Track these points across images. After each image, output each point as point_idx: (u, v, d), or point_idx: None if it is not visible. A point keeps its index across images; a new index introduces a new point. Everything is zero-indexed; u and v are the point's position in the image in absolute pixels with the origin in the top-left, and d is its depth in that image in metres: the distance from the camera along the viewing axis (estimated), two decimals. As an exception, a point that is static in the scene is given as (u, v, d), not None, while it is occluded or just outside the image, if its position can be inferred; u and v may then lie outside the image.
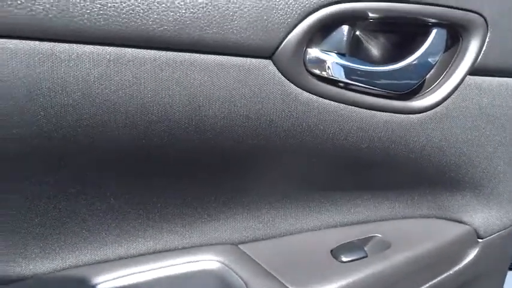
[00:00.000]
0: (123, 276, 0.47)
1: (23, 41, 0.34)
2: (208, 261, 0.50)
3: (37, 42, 0.34)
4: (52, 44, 0.35)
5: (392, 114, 0.49)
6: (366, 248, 0.54)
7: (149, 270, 0.48)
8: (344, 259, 0.52)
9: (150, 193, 0.47)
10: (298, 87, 0.43)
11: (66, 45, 0.35)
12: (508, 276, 0.75)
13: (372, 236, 0.57)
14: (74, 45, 0.35)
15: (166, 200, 0.48)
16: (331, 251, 0.53)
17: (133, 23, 0.35)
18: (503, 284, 0.71)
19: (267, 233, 0.55)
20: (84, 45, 0.35)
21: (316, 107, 0.45)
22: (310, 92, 0.44)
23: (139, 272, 0.48)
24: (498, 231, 0.62)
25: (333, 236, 0.56)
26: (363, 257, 0.52)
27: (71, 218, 0.45)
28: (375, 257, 0.53)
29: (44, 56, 0.34)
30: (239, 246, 0.53)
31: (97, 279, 0.46)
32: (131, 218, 0.48)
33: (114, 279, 0.47)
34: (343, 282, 0.49)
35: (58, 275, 0.46)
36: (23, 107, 0.35)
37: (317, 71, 0.44)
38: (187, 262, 0.49)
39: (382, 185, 0.58)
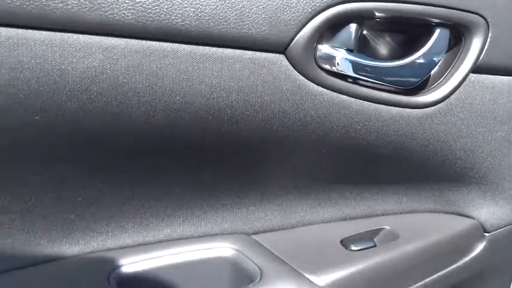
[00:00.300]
0: (141, 261, 0.49)
1: (57, 33, 0.37)
2: (223, 249, 0.52)
3: (70, 34, 0.38)
4: (84, 36, 0.38)
5: (399, 108, 0.51)
6: (375, 239, 0.56)
7: (166, 255, 0.50)
8: (354, 248, 0.54)
9: (168, 182, 0.50)
10: (309, 80, 0.46)
11: (96, 38, 0.38)
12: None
13: (381, 228, 0.59)
14: (104, 38, 0.38)
15: (183, 189, 0.51)
16: (341, 241, 0.55)
17: (158, 17, 0.39)
18: (510, 281, 0.72)
19: (279, 225, 0.58)
20: (113, 38, 0.39)
21: (326, 100, 0.47)
22: (320, 86, 0.47)
23: (157, 257, 0.50)
24: (504, 226, 0.64)
25: (342, 228, 0.58)
26: (372, 247, 0.54)
27: (95, 204, 0.48)
28: (383, 246, 0.55)
29: (76, 47, 0.38)
30: (252, 236, 0.56)
31: (117, 264, 0.48)
32: (149, 206, 0.50)
33: (133, 263, 0.49)
34: (353, 269, 0.51)
35: (80, 259, 0.49)
36: (56, 94, 0.38)
37: (327, 66, 0.47)
38: (203, 249, 0.52)
39: (390, 179, 0.60)
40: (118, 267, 0.48)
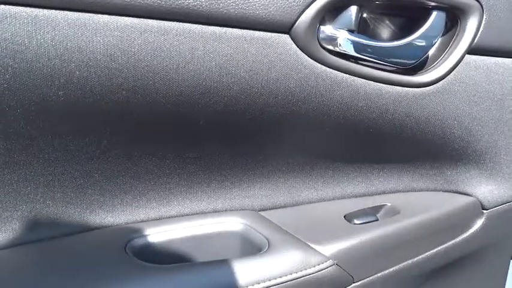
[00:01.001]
0: (156, 234, 0.52)
1: (79, 13, 0.40)
2: (232, 223, 0.55)
3: (91, 14, 0.40)
4: (103, 16, 0.41)
5: (398, 87, 0.54)
6: (377, 215, 0.59)
7: (178, 229, 0.53)
8: (357, 222, 0.56)
9: (179, 159, 0.52)
10: (312, 59, 0.49)
11: (115, 18, 0.41)
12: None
13: (383, 205, 0.61)
14: (121, 18, 0.41)
15: (193, 167, 0.54)
16: (345, 216, 0.58)
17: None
18: (509, 258, 0.75)
19: (285, 202, 0.60)
20: (130, 18, 0.41)
21: (329, 78, 0.50)
22: (323, 64, 0.49)
23: (170, 231, 0.52)
24: (502, 204, 0.67)
25: (345, 205, 0.61)
26: (374, 221, 0.57)
27: (111, 180, 0.51)
28: (385, 220, 0.57)
29: (96, 26, 0.40)
30: (259, 212, 0.58)
31: (133, 236, 0.51)
32: (162, 182, 0.53)
33: (148, 235, 0.51)
34: (356, 240, 0.53)
35: (98, 232, 0.51)
36: (78, 70, 0.41)
37: (329, 46, 0.50)
38: (213, 223, 0.54)
39: (391, 157, 0.62)
40: (134, 238, 0.51)
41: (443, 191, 0.66)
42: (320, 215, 0.59)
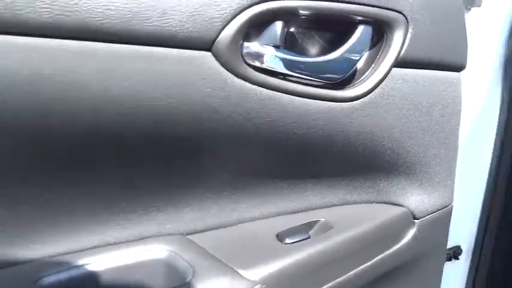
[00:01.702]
0: (71, 268, 0.47)
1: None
2: (156, 250, 0.51)
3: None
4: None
5: (326, 102, 0.53)
6: (310, 232, 0.58)
7: (97, 261, 0.49)
8: (288, 241, 0.55)
9: (98, 186, 0.49)
10: (236, 77, 0.47)
11: (10, 38, 0.37)
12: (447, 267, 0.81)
13: (316, 221, 0.60)
14: (20, 38, 0.37)
15: (115, 193, 0.50)
16: (277, 235, 0.56)
17: (76, 16, 0.38)
18: (442, 266, 0.77)
19: (216, 223, 0.58)
20: (30, 38, 0.37)
21: (254, 95, 0.48)
22: (248, 82, 0.47)
23: (89, 263, 0.48)
24: (433, 212, 0.68)
25: (279, 223, 0.59)
26: (306, 238, 0.56)
27: (24, 211, 0.46)
28: (317, 238, 0.56)
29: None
30: (187, 236, 0.55)
31: (46, 272, 0.46)
32: (82, 212, 0.49)
33: (62, 271, 0.47)
34: (287, 261, 0.51)
35: (5, 271, 0.46)
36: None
37: (254, 63, 0.48)
38: (136, 252, 0.51)
39: (324, 172, 0.61)
40: (47, 275, 0.46)
41: (376, 203, 0.67)
42: (252, 235, 0.57)
